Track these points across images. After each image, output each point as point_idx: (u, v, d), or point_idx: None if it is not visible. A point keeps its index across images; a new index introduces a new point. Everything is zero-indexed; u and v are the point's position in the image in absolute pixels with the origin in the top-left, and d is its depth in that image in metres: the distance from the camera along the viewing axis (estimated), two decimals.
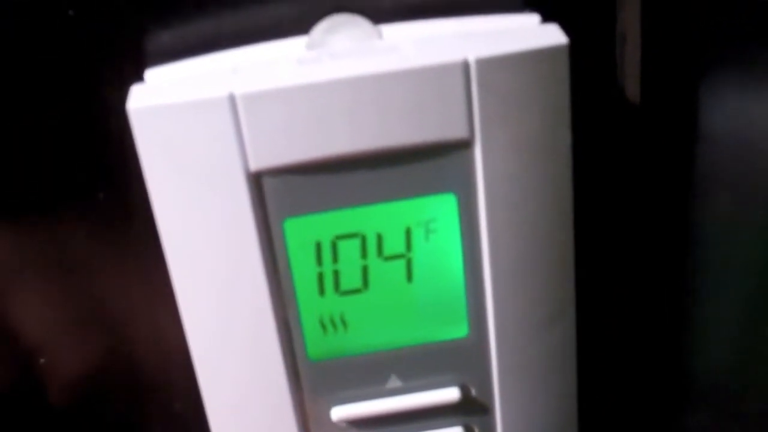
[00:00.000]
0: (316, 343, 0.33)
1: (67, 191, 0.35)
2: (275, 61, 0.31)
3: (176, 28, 0.33)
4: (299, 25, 0.33)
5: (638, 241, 0.38)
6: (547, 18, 0.32)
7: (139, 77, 0.33)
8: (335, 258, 0.32)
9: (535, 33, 0.31)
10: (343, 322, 0.33)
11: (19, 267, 0.37)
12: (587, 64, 0.34)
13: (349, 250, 0.32)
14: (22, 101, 0.34)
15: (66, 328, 0.38)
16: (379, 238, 0.32)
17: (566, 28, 0.31)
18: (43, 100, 0.34)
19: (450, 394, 0.34)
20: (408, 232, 0.32)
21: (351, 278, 0.33)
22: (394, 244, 0.32)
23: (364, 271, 0.33)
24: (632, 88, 0.35)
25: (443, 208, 0.32)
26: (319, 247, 0.32)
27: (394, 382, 0.34)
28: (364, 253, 0.32)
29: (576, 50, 0.30)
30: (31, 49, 0.33)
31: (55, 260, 0.37)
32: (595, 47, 0.35)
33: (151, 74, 0.33)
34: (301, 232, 0.31)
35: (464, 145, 0.30)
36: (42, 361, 0.38)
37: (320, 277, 0.32)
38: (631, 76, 0.35)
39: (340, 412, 0.34)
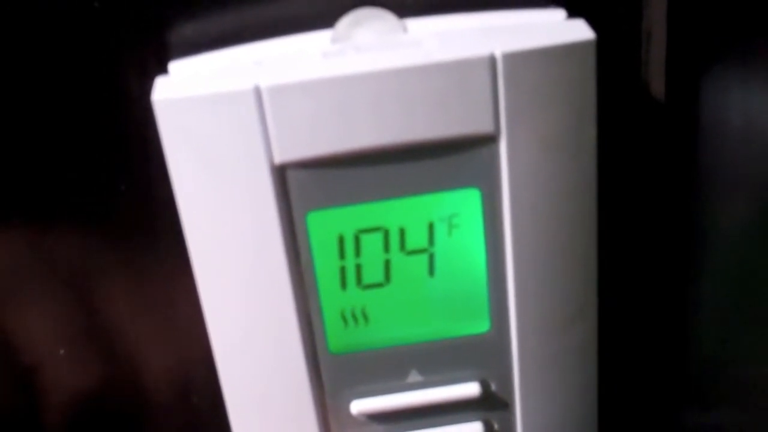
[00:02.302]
0: (337, 337, 0.33)
1: (90, 183, 0.35)
2: (300, 54, 0.31)
3: (200, 21, 0.33)
4: (324, 19, 0.33)
5: (661, 238, 0.37)
6: (572, 14, 0.32)
7: (163, 70, 0.33)
8: (358, 252, 0.32)
9: (561, 28, 0.30)
10: (365, 316, 0.33)
11: (32, 265, 0.37)
12: (612, 61, 0.34)
13: (372, 244, 0.32)
14: (47, 93, 0.34)
15: (84, 321, 0.38)
16: (402, 233, 0.32)
17: (591, 25, 0.30)
18: (67, 91, 0.34)
19: (470, 389, 0.34)
20: (431, 227, 0.32)
21: (373, 272, 0.33)
22: (416, 238, 0.32)
23: (387, 265, 0.33)
24: (657, 85, 0.35)
25: (467, 203, 0.32)
26: (341, 240, 0.32)
27: (414, 377, 0.34)
28: (386, 247, 0.32)
29: (601, 47, 0.30)
30: (55, 40, 0.33)
31: (74, 254, 0.37)
32: (621, 44, 0.35)
33: (175, 66, 0.33)
34: (325, 226, 0.31)
35: (489, 140, 0.30)
36: (61, 351, 0.39)
37: (342, 271, 0.32)
38: (656, 73, 0.35)
39: (360, 406, 0.34)
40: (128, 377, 0.40)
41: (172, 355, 0.39)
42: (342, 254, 0.32)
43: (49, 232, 0.36)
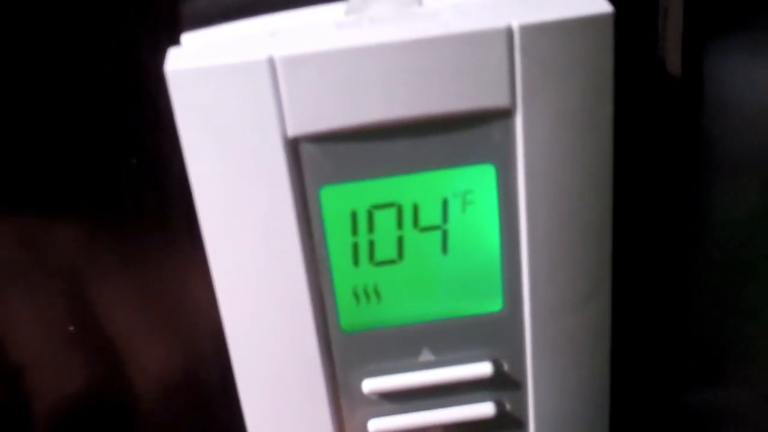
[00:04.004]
0: (349, 314, 0.33)
1: (101, 157, 0.35)
2: (314, 25, 0.30)
3: None
4: None
5: (676, 217, 0.37)
6: None
7: (175, 41, 0.32)
8: (371, 228, 0.32)
9: (579, 1, 0.30)
10: (377, 293, 0.33)
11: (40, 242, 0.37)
12: (628, 36, 0.33)
13: (385, 220, 0.32)
14: (57, 67, 0.34)
15: (97, 299, 0.38)
16: (416, 209, 0.32)
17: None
18: (78, 64, 0.34)
19: (482, 368, 0.34)
20: (445, 203, 0.32)
21: (386, 249, 0.32)
22: (430, 214, 0.32)
23: (400, 241, 0.32)
24: (673, 60, 0.34)
25: (482, 179, 0.31)
26: (354, 216, 0.32)
27: (426, 355, 0.34)
28: (399, 224, 0.32)
29: (617, 22, 0.30)
30: (65, 13, 0.33)
31: (83, 229, 0.37)
32: (637, 19, 0.34)
33: (188, 38, 0.32)
34: (337, 201, 0.31)
35: (505, 114, 0.30)
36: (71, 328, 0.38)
37: (355, 247, 0.32)
38: (672, 48, 0.34)
39: (371, 385, 0.34)
40: (133, 355, 0.39)
41: (183, 331, 0.39)
42: (355, 230, 0.32)
43: (59, 209, 0.36)
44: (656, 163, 0.36)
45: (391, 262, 0.33)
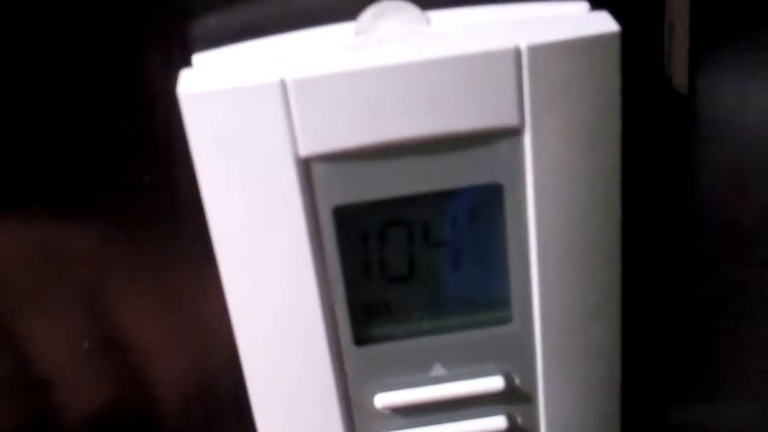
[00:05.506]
0: (361, 330, 0.33)
1: (114, 176, 0.35)
2: (324, 46, 0.31)
3: (223, 13, 0.33)
4: (347, 11, 0.33)
5: (684, 231, 0.37)
6: (595, 6, 0.32)
7: (186, 62, 0.33)
8: (382, 245, 0.32)
9: (586, 21, 0.30)
10: (389, 309, 0.33)
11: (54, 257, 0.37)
12: (635, 53, 0.33)
13: (396, 237, 0.32)
14: (68, 87, 0.34)
15: (107, 315, 0.38)
16: (426, 226, 0.32)
17: (614, 17, 0.30)
18: (89, 84, 0.34)
19: (494, 382, 0.34)
20: (454, 220, 0.32)
21: (397, 265, 0.33)
22: (440, 232, 0.32)
23: (411, 258, 0.33)
24: (680, 77, 0.35)
25: (490, 196, 0.32)
26: (366, 233, 0.32)
27: (438, 370, 0.34)
28: (410, 241, 0.32)
29: (624, 39, 0.30)
30: (76, 33, 0.33)
31: (96, 247, 0.37)
32: (643, 36, 0.34)
33: (199, 59, 0.33)
34: (349, 219, 0.31)
35: (514, 133, 0.30)
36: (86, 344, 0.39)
37: (367, 264, 0.32)
38: (679, 65, 0.34)
39: (383, 399, 0.34)
40: (149, 370, 0.40)
41: (196, 347, 0.39)
42: (366, 247, 0.32)
43: (72, 225, 0.36)
44: (663, 179, 0.37)
45: (403, 278, 0.33)
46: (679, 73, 0.35)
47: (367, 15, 0.33)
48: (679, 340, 0.40)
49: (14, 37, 0.33)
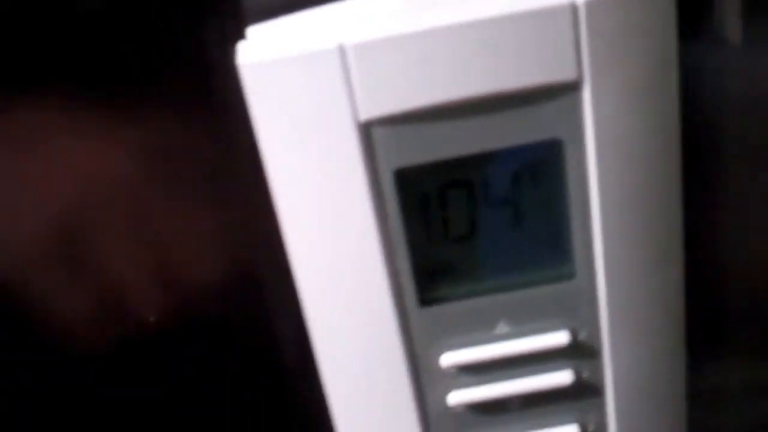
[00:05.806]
0: (425, 291, 0.34)
1: (175, 150, 0.36)
2: (378, 11, 0.31)
3: None
4: None
5: (743, 182, 0.37)
6: None
7: (240, 35, 0.33)
8: (443, 205, 0.33)
9: None
10: (452, 269, 0.34)
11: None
12: (688, 7, 0.33)
13: (457, 197, 0.32)
14: (121, 66, 0.34)
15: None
16: (487, 185, 0.32)
17: None
18: (144, 60, 0.34)
19: (559, 338, 0.34)
20: (515, 178, 0.32)
21: (459, 225, 0.33)
22: (501, 190, 0.32)
23: (472, 217, 0.33)
24: (733, 31, 0.34)
25: (550, 152, 0.32)
26: (427, 195, 0.32)
27: (502, 328, 0.34)
28: (471, 200, 0.33)
29: None
30: (129, 11, 0.33)
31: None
32: None
33: (253, 31, 0.33)
34: (410, 181, 0.32)
35: (572, 88, 0.30)
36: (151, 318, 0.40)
37: (429, 225, 0.33)
38: (732, 19, 0.34)
39: (449, 359, 0.35)
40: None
41: (264, 310, 0.40)
42: (428, 209, 0.33)
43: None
44: (719, 132, 0.36)
45: (465, 237, 0.33)
46: (732, 27, 0.34)
47: None
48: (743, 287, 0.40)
49: (78, 18, 0.34)
